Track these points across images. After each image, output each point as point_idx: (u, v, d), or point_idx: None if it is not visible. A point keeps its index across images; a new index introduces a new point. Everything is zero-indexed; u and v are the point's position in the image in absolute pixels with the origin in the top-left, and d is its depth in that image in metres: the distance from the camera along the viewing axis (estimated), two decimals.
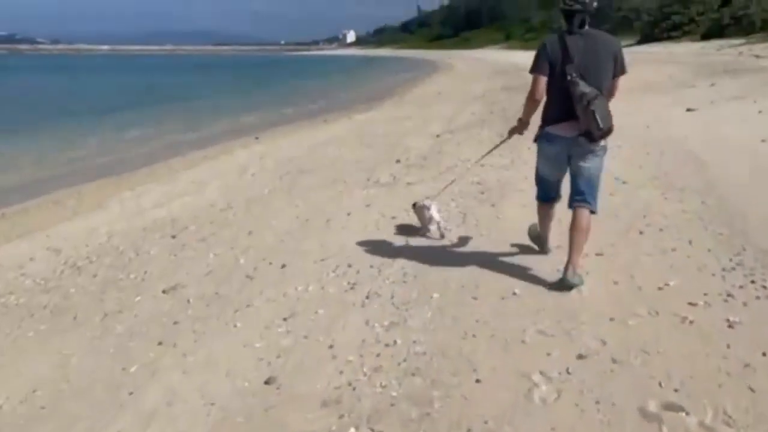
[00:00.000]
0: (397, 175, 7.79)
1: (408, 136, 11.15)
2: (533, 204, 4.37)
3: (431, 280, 4.10)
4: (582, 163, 3.76)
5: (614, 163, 6.78)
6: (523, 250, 4.50)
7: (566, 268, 3.69)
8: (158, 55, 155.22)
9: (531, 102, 3.79)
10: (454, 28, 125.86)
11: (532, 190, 4.42)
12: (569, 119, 3.63)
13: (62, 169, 10.80)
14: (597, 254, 4.29)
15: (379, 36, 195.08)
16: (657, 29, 42.85)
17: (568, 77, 3.55)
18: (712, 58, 23.79)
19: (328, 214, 6.08)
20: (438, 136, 11.05)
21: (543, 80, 3.67)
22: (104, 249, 5.63)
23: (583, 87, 3.51)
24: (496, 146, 4.77)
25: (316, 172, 8.45)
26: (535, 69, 3.71)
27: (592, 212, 3.83)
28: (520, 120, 4.01)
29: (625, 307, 3.51)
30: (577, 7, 3.57)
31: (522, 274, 4.05)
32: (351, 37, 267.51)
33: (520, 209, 5.36)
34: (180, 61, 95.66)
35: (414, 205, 5.10)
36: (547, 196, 4.15)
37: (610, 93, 3.74)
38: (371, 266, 4.45)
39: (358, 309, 3.77)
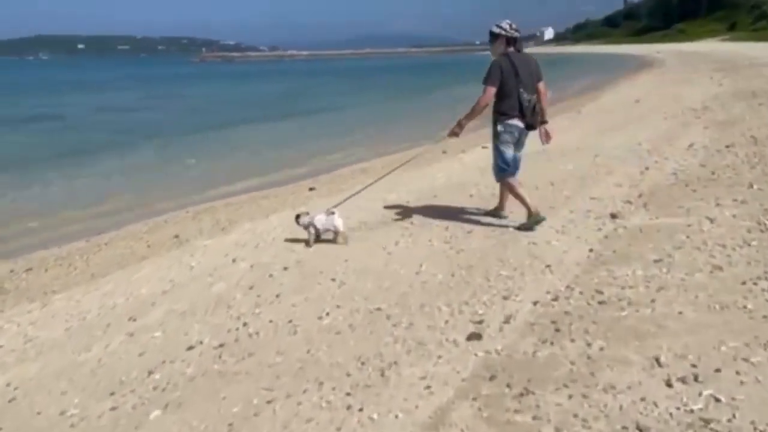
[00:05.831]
0: None
1: (549, 217, 5.16)
2: None
3: None
4: (522, 147, 5.10)
5: None
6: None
7: (529, 213, 5.02)
8: (350, 58, 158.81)
9: (480, 108, 4.84)
10: (666, 20, 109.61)
11: None
12: (519, 115, 4.86)
13: None
14: None
15: (579, 32, 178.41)
16: None
17: (517, 86, 4.82)
18: None
19: None
20: (614, 217, 5.03)
21: (493, 91, 4.79)
22: None
23: (525, 93, 4.80)
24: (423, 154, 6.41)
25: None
26: (489, 82, 4.78)
27: None
28: (460, 123, 4.96)
29: None
30: (516, 34, 4.89)
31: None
32: (549, 34, 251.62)
33: None
34: (366, 63, 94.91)
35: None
36: (514, 170, 5.09)
37: (543, 95, 5.00)
38: None
39: None
